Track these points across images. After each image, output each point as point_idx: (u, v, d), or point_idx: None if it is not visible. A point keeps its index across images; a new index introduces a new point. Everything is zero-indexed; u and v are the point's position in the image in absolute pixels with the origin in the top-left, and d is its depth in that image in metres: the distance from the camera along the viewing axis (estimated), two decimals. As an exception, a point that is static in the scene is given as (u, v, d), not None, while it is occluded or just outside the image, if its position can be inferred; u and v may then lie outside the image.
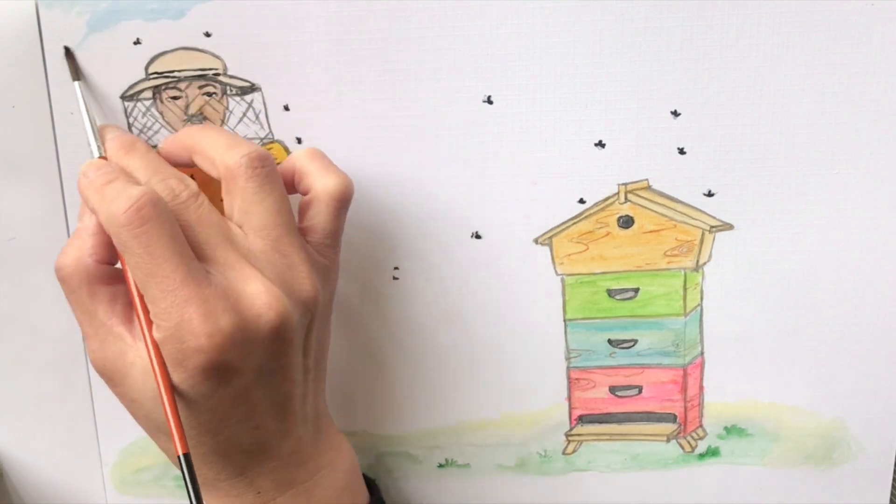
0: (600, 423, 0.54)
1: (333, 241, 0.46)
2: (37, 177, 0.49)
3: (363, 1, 0.46)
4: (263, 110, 0.48)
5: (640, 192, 0.49)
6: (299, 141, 0.49)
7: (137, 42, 0.47)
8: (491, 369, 0.53)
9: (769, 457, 0.54)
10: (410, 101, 0.48)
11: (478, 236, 0.50)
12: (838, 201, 0.49)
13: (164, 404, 0.40)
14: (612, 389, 0.54)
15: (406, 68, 0.47)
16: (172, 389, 0.40)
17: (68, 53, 0.47)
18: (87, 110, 0.46)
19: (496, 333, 0.52)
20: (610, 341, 0.53)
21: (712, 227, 0.50)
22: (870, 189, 0.49)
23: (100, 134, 0.46)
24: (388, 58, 0.47)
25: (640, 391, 0.54)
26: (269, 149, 0.49)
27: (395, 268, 0.51)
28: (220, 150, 0.44)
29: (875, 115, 0.48)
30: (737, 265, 0.51)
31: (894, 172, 0.49)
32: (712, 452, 0.54)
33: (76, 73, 0.47)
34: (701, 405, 0.53)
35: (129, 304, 0.43)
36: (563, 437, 0.55)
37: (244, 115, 0.48)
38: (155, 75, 0.47)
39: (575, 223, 0.50)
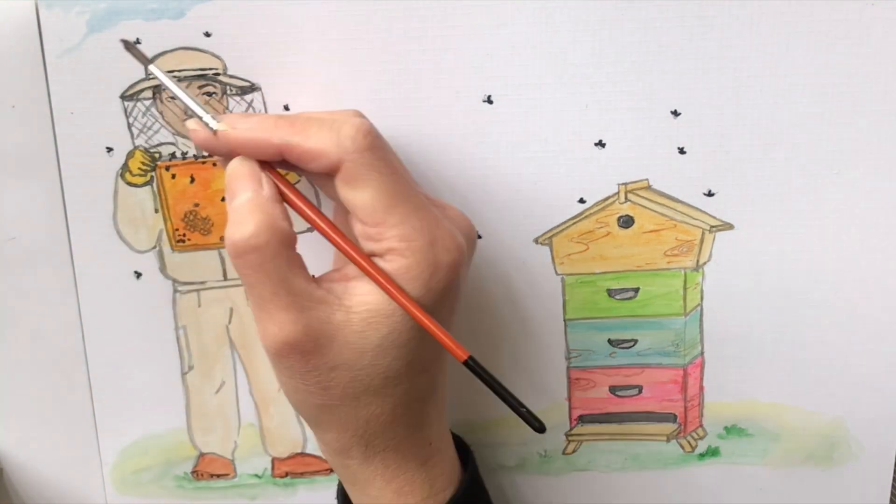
0: (600, 422, 0.54)
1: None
2: (37, 177, 0.49)
3: (363, 1, 0.46)
4: (263, 110, 0.48)
5: (641, 192, 0.50)
6: (299, 141, 0.49)
7: (137, 42, 0.47)
8: (491, 369, 0.53)
9: (769, 457, 0.54)
10: (410, 101, 0.48)
11: (478, 236, 0.50)
12: (838, 201, 0.49)
13: (423, 322, 0.39)
14: (613, 389, 0.54)
15: (406, 68, 0.47)
16: (419, 305, 0.40)
17: (128, 45, 0.44)
18: (178, 85, 0.43)
19: (496, 333, 0.52)
20: (610, 341, 0.53)
21: (712, 226, 0.50)
22: (870, 189, 0.49)
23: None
24: (388, 58, 0.47)
25: (640, 391, 0.54)
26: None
27: (395, 268, 0.51)
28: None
29: (875, 115, 0.48)
30: (737, 265, 0.51)
31: (894, 172, 0.49)
32: (712, 452, 0.54)
33: (144, 58, 0.44)
34: (701, 405, 0.53)
35: (308, 270, 0.41)
36: (564, 437, 0.55)
37: (244, 114, 0.48)
38: (155, 75, 0.47)
39: (575, 223, 0.50)
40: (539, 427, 0.38)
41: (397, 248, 0.40)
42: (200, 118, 0.41)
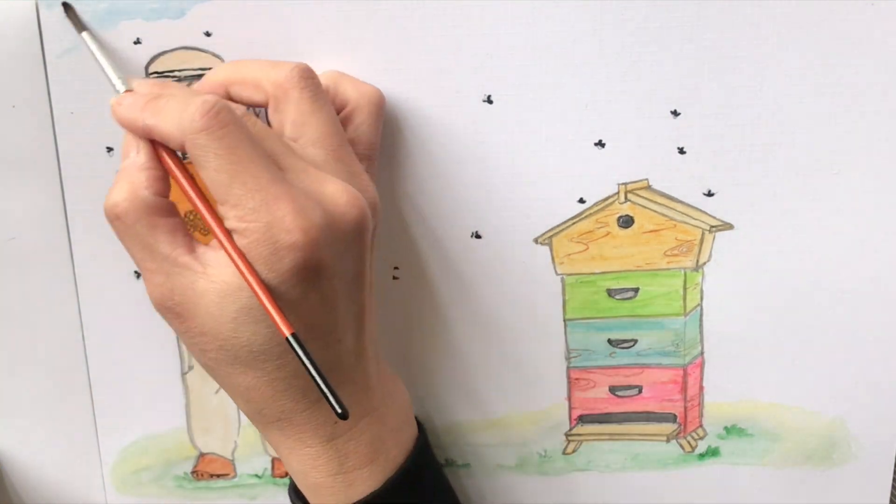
0: (600, 422, 0.54)
1: (374, 154, 0.47)
2: (37, 177, 0.49)
3: (363, 1, 0.46)
4: (263, 110, 0.48)
5: (640, 192, 0.50)
6: (299, 141, 0.49)
7: (137, 42, 0.47)
8: (491, 369, 0.53)
9: (769, 457, 0.54)
10: (410, 101, 0.48)
11: (478, 236, 0.50)
12: (838, 201, 0.49)
13: (258, 295, 0.39)
14: (612, 389, 0.54)
15: (406, 68, 0.47)
16: (263, 283, 0.39)
17: (67, 8, 0.46)
18: (102, 54, 0.45)
19: (496, 333, 0.52)
20: (610, 341, 0.53)
21: (712, 226, 0.50)
22: (870, 189, 0.49)
23: (126, 81, 0.44)
24: (388, 58, 0.47)
25: (639, 391, 0.54)
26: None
27: (395, 268, 0.51)
28: (264, 70, 0.44)
29: (875, 115, 0.48)
30: (737, 265, 0.51)
31: (894, 172, 0.49)
32: (712, 452, 0.54)
33: (80, 25, 0.46)
34: (701, 405, 0.53)
35: (187, 234, 0.42)
36: (563, 437, 0.55)
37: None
38: (155, 75, 0.47)
39: (575, 223, 0.50)
40: (341, 414, 0.38)
41: (236, 227, 0.40)
42: (114, 87, 0.44)
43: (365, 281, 0.43)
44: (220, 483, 0.55)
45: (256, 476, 0.55)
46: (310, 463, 0.45)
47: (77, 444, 0.53)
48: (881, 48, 0.47)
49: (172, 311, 0.42)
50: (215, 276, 0.41)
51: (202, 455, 0.54)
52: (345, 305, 0.43)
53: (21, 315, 0.51)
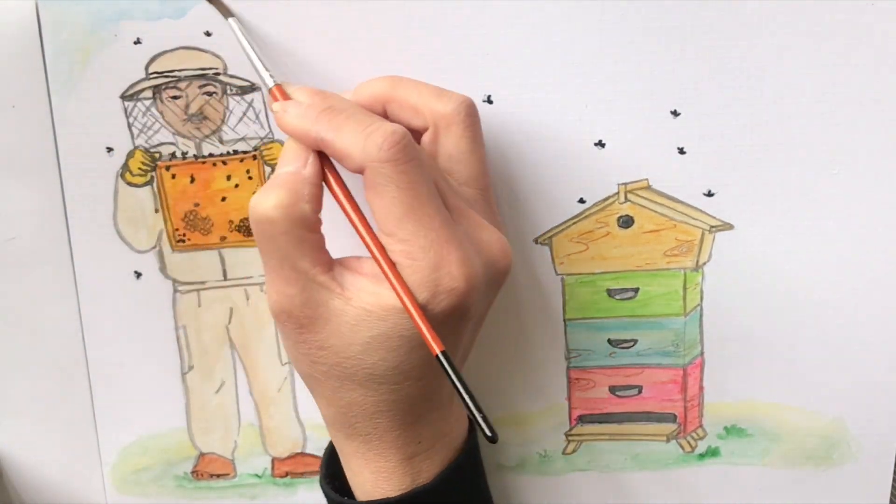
0: (600, 422, 0.54)
1: (487, 182, 0.47)
2: (37, 177, 0.49)
3: (363, 1, 0.46)
4: (263, 110, 0.48)
5: (640, 192, 0.50)
6: (299, 141, 0.49)
7: (138, 42, 0.47)
8: (491, 369, 0.53)
9: (769, 457, 0.54)
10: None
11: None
12: (838, 201, 0.49)
13: (413, 316, 0.39)
14: (612, 389, 0.54)
15: (406, 68, 0.47)
16: (411, 293, 0.40)
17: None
18: (251, 43, 0.45)
19: (496, 333, 0.52)
20: (610, 341, 0.53)
21: (712, 226, 0.50)
22: (870, 189, 0.49)
23: (280, 85, 0.44)
24: (388, 57, 0.47)
25: (639, 391, 0.54)
26: (269, 149, 0.49)
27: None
28: (429, 97, 0.44)
29: (875, 115, 0.48)
30: (737, 265, 0.51)
31: (894, 172, 0.49)
32: (712, 452, 0.54)
33: (226, 10, 0.46)
34: (701, 405, 0.53)
35: (327, 253, 0.42)
36: (563, 437, 0.55)
37: (244, 114, 0.48)
38: (155, 75, 0.48)
39: (575, 223, 0.50)
40: (492, 438, 0.38)
41: (401, 262, 0.40)
42: (264, 82, 0.44)
43: (484, 320, 0.45)
44: (221, 483, 0.55)
45: (256, 476, 0.55)
46: (384, 475, 0.45)
47: (77, 444, 0.53)
48: (881, 48, 0.47)
49: (297, 321, 0.42)
50: (354, 300, 0.41)
51: (202, 455, 0.54)
52: (465, 344, 0.44)
53: (21, 315, 0.51)
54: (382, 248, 0.41)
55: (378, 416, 0.44)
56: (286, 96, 0.43)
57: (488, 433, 0.38)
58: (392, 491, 0.45)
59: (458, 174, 0.44)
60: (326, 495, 0.47)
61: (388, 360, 0.42)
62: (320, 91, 0.43)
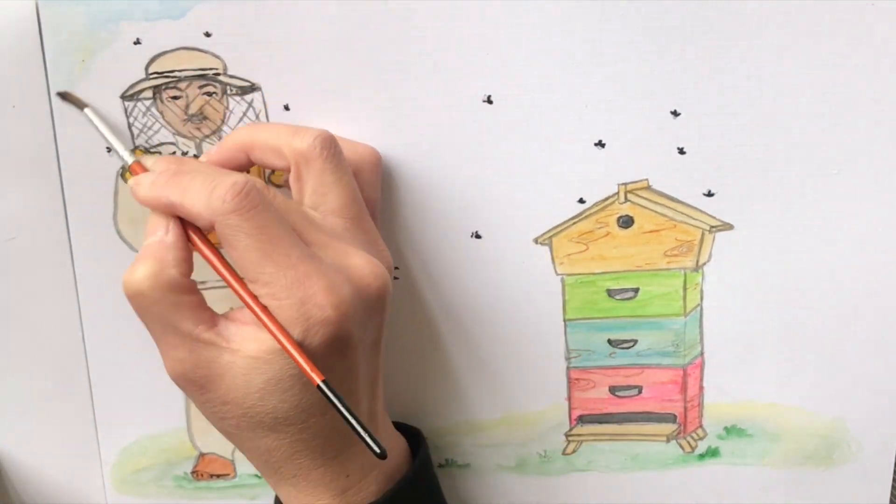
0: (600, 423, 0.54)
1: (377, 210, 0.48)
2: (37, 177, 0.49)
3: (363, 1, 0.46)
4: (264, 110, 0.48)
5: (640, 192, 0.50)
6: (299, 141, 0.49)
7: (137, 42, 0.47)
8: (491, 369, 0.53)
9: (769, 457, 0.54)
10: (410, 101, 0.48)
11: (478, 236, 0.50)
12: (838, 201, 0.49)
13: (289, 352, 0.40)
14: (612, 389, 0.54)
15: (406, 68, 0.47)
16: (284, 330, 0.41)
17: (64, 95, 0.47)
18: (106, 127, 0.47)
19: (496, 333, 0.52)
20: (610, 341, 0.53)
21: (712, 227, 0.50)
22: (870, 189, 0.49)
23: (139, 161, 0.45)
24: (388, 58, 0.47)
25: (639, 391, 0.54)
26: (269, 149, 0.49)
27: (396, 268, 0.51)
28: (286, 137, 0.44)
29: (875, 116, 0.48)
30: (737, 265, 0.51)
31: (892, 175, 0.49)
32: (712, 453, 0.54)
33: (80, 103, 0.47)
34: (701, 405, 0.53)
35: (207, 310, 0.43)
36: (563, 438, 0.55)
37: (244, 114, 0.48)
38: (155, 75, 0.48)
39: (575, 223, 0.50)
40: (381, 455, 0.39)
41: (270, 304, 0.41)
42: (123, 161, 0.46)
43: (381, 345, 0.45)
44: (220, 483, 0.55)
45: (256, 476, 0.55)
46: None
47: (77, 444, 0.54)
48: (881, 48, 0.47)
49: (195, 383, 0.43)
50: (241, 351, 0.42)
51: (202, 455, 0.54)
52: (364, 370, 0.44)
53: (21, 315, 0.51)
54: (253, 295, 0.41)
55: (297, 457, 0.44)
56: (144, 170, 0.44)
57: (376, 450, 0.39)
58: None
59: (325, 206, 0.44)
60: None
61: (286, 401, 0.42)
62: (175, 158, 0.45)
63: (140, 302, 0.42)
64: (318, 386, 0.40)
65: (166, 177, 0.43)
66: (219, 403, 0.43)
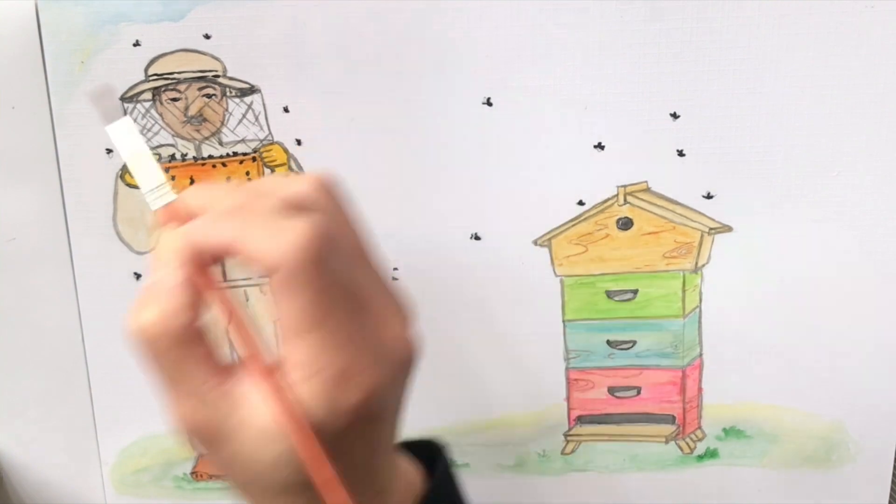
0: (599, 423, 0.54)
1: None
2: (36, 178, 0.49)
3: (362, 4, 0.46)
4: (263, 112, 0.48)
5: (640, 194, 0.50)
6: (299, 142, 0.49)
7: (137, 44, 0.47)
8: (490, 370, 0.53)
9: (768, 458, 0.54)
10: (410, 103, 0.48)
11: (477, 237, 0.50)
12: (837, 204, 0.49)
13: (314, 466, 0.36)
14: (611, 390, 0.54)
15: (405, 70, 0.47)
16: (321, 446, 0.36)
17: (104, 95, 0.38)
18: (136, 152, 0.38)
19: (496, 334, 0.52)
20: (609, 342, 0.53)
21: (711, 229, 0.50)
22: (868, 192, 0.49)
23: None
24: (388, 60, 0.47)
25: (638, 392, 0.54)
26: (269, 151, 0.49)
27: (395, 268, 0.51)
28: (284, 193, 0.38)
29: (874, 118, 0.48)
30: (735, 267, 0.51)
31: (892, 175, 0.49)
32: (711, 454, 0.54)
33: (109, 115, 0.38)
34: (699, 406, 0.54)
35: (220, 362, 0.37)
36: (562, 438, 0.55)
37: (244, 116, 0.48)
38: (154, 77, 0.48)
39: (574, 225, 0.50)
40: None
41: (303, 371, 0.36)
42: (151, 190, 0.38)
43: (404, 407, 0.41)
44: (219, 484, 0.55)
45: (256, 476, 0.55)
46: None
47: (77, 445, 0.54)
48: (880, 50, 0.47)
49: (204, 437, 0.38)
50: (256, 416, 0.37)
51: (201, 456, 0.54)
52: (388, 435, 0.41)
53: (21, 316, 0.51)
54: (266, 370, 0.36)
55: None
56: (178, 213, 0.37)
57: None
58: None
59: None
60: None
61: (301, 474, 0.37)
62: (206, 187, 0.38)
63: (145, 350, 0.37)
64: None
65: (221, 213, 0.36)
66: (227, 464, 0.38)
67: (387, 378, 0.38)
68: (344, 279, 0.36)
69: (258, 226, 0.35)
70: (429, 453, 0.47)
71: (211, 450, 0.38)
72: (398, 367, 0.39)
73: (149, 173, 0.37)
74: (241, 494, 0.41)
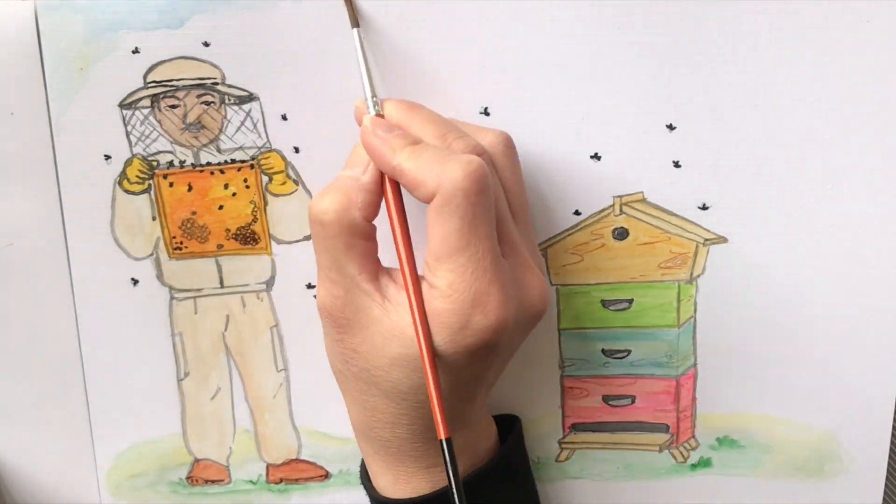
0: (593, 431, 0.54)
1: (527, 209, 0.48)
2: (34, 183, 0.49)
3: (361, 12, 0.46)
4: (261, 119, 0.48)
5: (635, 205, 0.50)
6: (297, 150, 0.49)
7: (136, 51, 0.47)
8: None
9: (761, 468, 0.54)
10: (407, 112, 0.48)
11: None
12: (832, 215, 0.50)
13: (429, 388, 0.40)
14: (606, 399, 0.54)
15: (403, 81, 0.47)
16: (437, 370, 0.41)
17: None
18: (366, 59, 0.45)
19: (491, 342, 0.52)
20: (603, 351, 0.53)
21: (706, 239, 0.50)
22: (863, 203, 0.49)
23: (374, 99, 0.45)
24: (385, 69, 0.47)
25: (633, 401, 0.54)
26: (267, 158, 0.49)
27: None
28: (472, 131, 0.44)
29: (869, 131, 0.48)
30: (730, 278, 0.51)
31: (888, 187, 0.49)
32: (704, 463, 0.55)
33: (355, 19, 0.46)
34: (693, 416, 0.54)
35: (377, 261, 0.43)
36: (557, 445, 0.55)
37: (242, 124, 0.49)
38: (153, 84, 0.48)
39: (570, 234, 0.50)
40: None
41: (442, 290, 0.40)
42: (366, 99, 0.44)
43: (514, 355, 0.45)
44: (215, 489, 0.55)
45: (251, 482, 0.55)
46: (403, 479, 0.46)
47: (72, 450, 0.54)
48: (875, 64, 0.47)
49: (338, 321, 0.43)
50: (393, 314, 0.42)
51: (197, 461, 0.54)
52: (493, 374, 0.44)
53: (18, 321, 0.51)
54: (417, 280, 0.41)
55: (397, 427, 0.44)
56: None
57: None
58: (411, 493, 0.46)
59: (511, 208, 0.44)
60: (367, 492, 0.48)
61: (412, 380, 0.42)
62: (407, 105, 0.45)
63: (318, 230, 0.42)
64: (441, 442, 0.40)
65: (404, 142, 0.42)
66: (349, 349, 0.43)
67: (513, 320, 0.41)
68: (493, 217, 0.41)
69: (427, 157, 0.40)
70: (507, 425, 0.51)
71: (342, 333, 0.43)
72: (526, 310, 0.43)
73: (370, 82, 0.44)
74: (346, 384, 0.45)
